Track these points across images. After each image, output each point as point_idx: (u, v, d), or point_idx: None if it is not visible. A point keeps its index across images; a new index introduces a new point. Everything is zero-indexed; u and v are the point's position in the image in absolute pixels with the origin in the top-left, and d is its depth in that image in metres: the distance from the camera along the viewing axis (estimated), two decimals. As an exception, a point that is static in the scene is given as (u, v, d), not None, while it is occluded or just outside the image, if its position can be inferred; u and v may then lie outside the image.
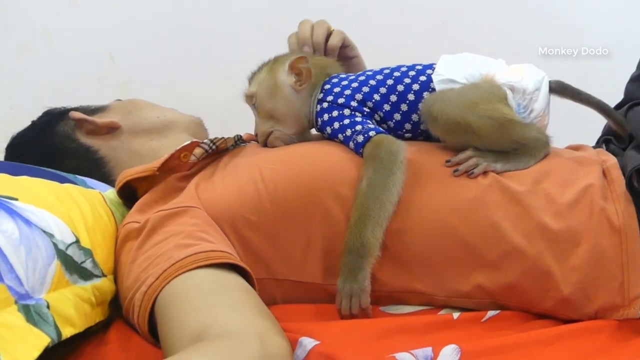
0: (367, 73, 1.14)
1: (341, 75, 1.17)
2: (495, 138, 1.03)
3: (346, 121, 1.07)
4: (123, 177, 1.09)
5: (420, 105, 1.07)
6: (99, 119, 1.27)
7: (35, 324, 0.76)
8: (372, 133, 1.03)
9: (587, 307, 0.97)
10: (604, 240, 0.97)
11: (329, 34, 1.28)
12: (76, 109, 1.29)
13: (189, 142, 1.09)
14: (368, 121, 1.07)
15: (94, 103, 1.36)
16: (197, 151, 1.10)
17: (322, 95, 1.13)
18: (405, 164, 1.01)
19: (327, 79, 1.16)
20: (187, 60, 1.80)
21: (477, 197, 1.00)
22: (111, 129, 1.27)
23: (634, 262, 0.96)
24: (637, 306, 0.95)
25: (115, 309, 1.01)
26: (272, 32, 1.75)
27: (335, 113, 1.09)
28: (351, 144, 1.05)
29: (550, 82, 1.08)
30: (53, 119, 1.29)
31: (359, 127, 1.05)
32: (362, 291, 0.97)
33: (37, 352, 0.72)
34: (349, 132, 1.06)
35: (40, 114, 1.35)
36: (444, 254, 1.00)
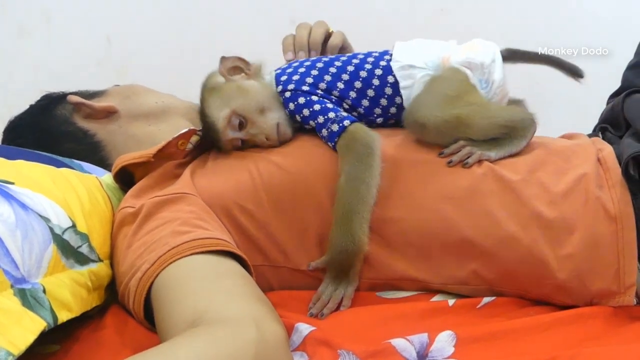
0: (324, 59, 1.12)
1: (294, 64, 1.12)
2: (485, 125, 1.02)
3: (316, 107, 1.05)
4: (119, 162, 1.09)
5: (403, 118, 1.05)
6: (97, 103, 1.27)
7: (31, 308, 0.76)
8: (346, 122, 1.02)
9: (583, 294, 0.98)
10: (600, 228, 0.97)
11: (328, 35, 1.27)
12: (74, 93, 1.29)
13: (186, 129, 1.09)
14: (339, 108, 1.05)
15: (92, 87, 1.36)
16: (194, 139, 1.10)
17: (280, 87, 1.09)
18: (380, 154, 1.00)
19: (280, 70, 1.12)
20: (186, 45, 1.79)
21: (471, 186, 1.00)
22: (109, 113, 1.27)
23: (630, 249, 0.96)
24: (632, 294, 0.96)
25: (111, 294, 1.01)
26: (273, 14, 1.76)
27: (301, 100, 1.06)
28: (324, 132, 1.03)
29: (501, 51, 1.09)
30: (51, 102, 1.30)
31: (332, 115, 1.03)
32: (352, 287, 0.99)
33: (33, 336, 0.72)
34: (321, 119, 1.04)
35: (37, 97, 1.35)
36: (439, 242, 1.00)
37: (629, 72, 1.26)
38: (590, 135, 1.19)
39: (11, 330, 0.69)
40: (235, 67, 1.11)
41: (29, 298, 0.77)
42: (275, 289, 1.04)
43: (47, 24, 1.75)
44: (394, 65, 1.08)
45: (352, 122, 1.02)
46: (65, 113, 1.28)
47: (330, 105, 1.05)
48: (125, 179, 1.13)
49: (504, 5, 1.84)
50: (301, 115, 1.06)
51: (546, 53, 1.12)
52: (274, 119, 1.08)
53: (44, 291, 0.80)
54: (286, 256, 1.03)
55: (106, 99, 1.30)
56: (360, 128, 1.02)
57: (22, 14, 1.74)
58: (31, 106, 1.32)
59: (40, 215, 0.86)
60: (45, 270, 0.83)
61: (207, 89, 1.11)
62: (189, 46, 1.79)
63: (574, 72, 1.10)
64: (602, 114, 1.24)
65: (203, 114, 1.09)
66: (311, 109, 1.05)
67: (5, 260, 0.76)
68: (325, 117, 1.04)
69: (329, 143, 1.03)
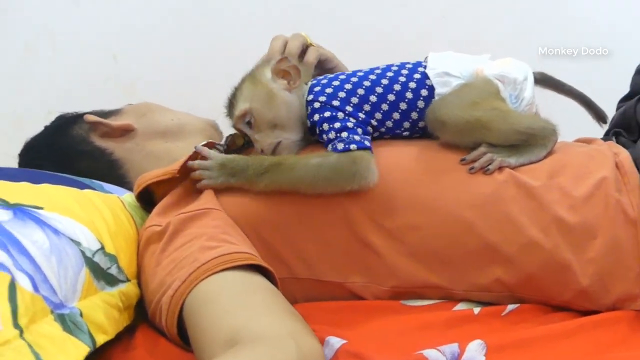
0: (359, 74, 1.12)
1: (329, 76, 1.14)
2: (505, 130, 1.04)
3: (336, 124, 1.05)
4: (142, 180, 1.10)
5: (425, 114, 1.07)
6: (114, 121, 1.27)
7: (71, 332, 0.77)
8: (352, 146, 1.02)
9: (605, 298, 0.99)
10: (620, 232, 0.99)
11: (304, 49, 1.25)
12: (90, 113, 1.29)
13: (205, 142, 1.10)
14: (358, 130, 1.05)
15: (100, 105, 1.36)
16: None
17: (312, 96, 1.10)
18: (365, 188, 1.02)
19: (315, 80, 1.14)
20: (193, 61, 1.79)
21: (493, 193, 1.01)
22: (125, 131, 1.27)
23: None
24: (654, 296, 0.97)
25: (138, 313, 1.02)
26: (280, 31, 1.77)
27: (327, 114, 1.07)
28: (329, 147, 1.04)
29: (534, 73, 1.10)
30: (67, 122, 1.30)
31: (344, 134, 1.04)
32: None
33: (77, 362, 0.73)
34: (332, 134, 1.05)
35: (45, 116, 1.36)
36: (461, 249, 1.01)
37: (638, 76, 1.27)
38: (604, 139, 1.20)
39: (57, 357, 0.70)
40: (286, 72, 1.11)
41: (68, 323, 0.78)
42: (299, 302, 1.04)
43: (52, 42, 1.75)
44: (430, 72, 1.08)
45: (359, 148, 1.03)
46: (82, 132, 1.28)
47: (350, 125, 1.05)
48: (146, 197, 1.14)
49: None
50: (320, 128, 1.07)
51: (578, 90, 1.13)
52: (278, 137, 1.09)
53: (81, 315, 0.81)
54: (310, 268, 1.05)
55: (122, 117, 1.30)
56: (365, 157, 1.02)
57: (28, 32, 1.74)
58: (46, 127, 1.32)
59: (72, 240, 0.87)
60: (80, 294, 0.84)
61: (251, 75, 1.14)
62: (195, 62, 1.80)
63: (600, 117, 1.13)
64: (613, 118, 1.26)
65: (234, 91, 1.13)
66: (331, 125, 1.06)
67: (44, 286, 0.77)
68: (338, 134, 1.04)
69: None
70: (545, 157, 1.06)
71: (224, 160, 1.06)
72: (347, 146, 1.03)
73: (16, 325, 0.68)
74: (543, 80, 1.13)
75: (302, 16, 1.75)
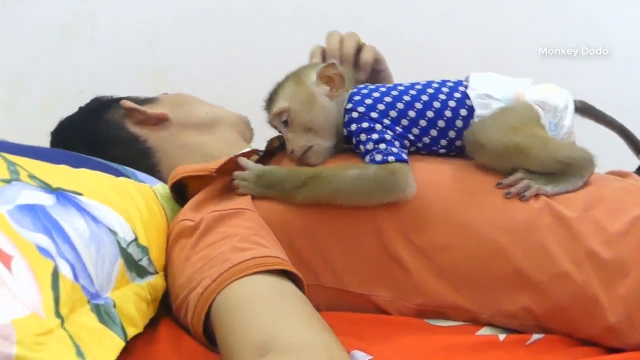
0: (399, 88, 1.12)
1: (370, 86, 1.14)
2: (543, 158, 1.03)
3: (374, 136, 1.05)
4: (178, 173, 1.10)
5: (464, 136, 1.07)
6: (149, 109, 1.27)
7: (105, 324, 0.76)
8: (391, 158, 1.02)
9: (632, 337, 0.98)
10: None
11: (359, 48, 1.26)
12: (126, 99, 1.29)
13: (248, 149, 1.10)
14: (396, 143, 1.05)
15: (131, 89, 1.36)
16: (254, 158, 1.11)
17: (351, 105, 1.10)
18: (402, 201, 1.01)
19: (355, 89, 1.13)
20: (226, 52, 1.79)
21: (528, 220, 1.01)
22: (160, 120, 1.28)
23: None
24: (682, 339, 0.97)
25: (161, 306, 1.01)
26: (314, 24, 1.76)
27: (365, 124, 1.07)
28: (367, 158, 1.04)
29: (574, 101, 1.10)
30: (102, 106, 1.30)
31: (382, 146, 1.04)
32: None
33: (114, 357, 0.72)
34: (370, 146, 1.04)
35: (76, 95, 1.36)
36: (491, 273, 1.01)
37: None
38: (635, 172, 1.20)
39: (95, 349, 0.70)
40: (331, 78, 1.11)
41: (103, 314, 0.77)
42: (322, 310, 1.03)
43: (91, 25, 1.75)
44: (472, 93, 1.08)
45: (397, 160, 1.02)
46: (117, 117, 1.28)
47: (387, 137, 1.05)
48: (178, 189, 1.13)
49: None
50: (358, 138, 1.07)
51: (618, 121, 1.12)
52: (310, 142, 1.09)
53: (114, 306, 0.81)
54: (337, 278, 1.04)
55: (157, 106, 1.30)
56: (403, 170, 1.02)
57: (67, 15, 1.74)
58: (81, 108, 1.32)
59: (109, 229, 0.87)
60: (114, 285, 0.84)
61: (296, 74, 1.14)
62: (228, 53, 1.79)
63: (639, 149, 1.12)
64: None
65: (276, 86, 1.14)
66: (369, 136, 1.05)
67: (84, 275, 0.76)
68: (376, 146, 1.04)
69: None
70: (581, 187, 1.05)
71: (260, 172, 1.06)
72: (385, 158, 1.02)
73: (58, 314, 0.67)
74: (583, 110, 1.12)
75: (337, 23, 1.75)
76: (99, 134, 1.27)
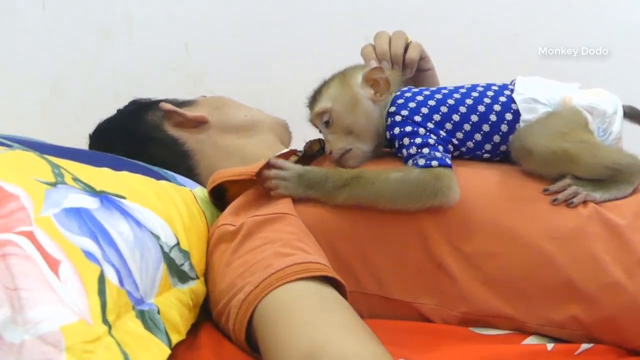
0: (443, 91, 1.10)
1: (413, 90, 1.13)
2: (592, 164, 1.01)
3: (418, 140, 1.03)
4: (217, 177, 1.08)
5: (510, 141, 1.05)
6: (188, 112, 1.26)
7: (150, 330, 0.75)
8: (434, 163, 1.00)
9: (686, 349, 0.95)
10: None
11: (406, 46, 1.24)
12: (165, 101, 1.28)
13: (287, 149, 1.09)
14: (439, 147, 1.03)
15: (167, 91, 1.36)
16: (293, 159, 1.09)
17: (394, 108, 1.09)
18: (446, 206, 0.99)
19: (399, 92, 1.12)
20: (262, 56, 1.78)
21: (577, 228, 0.98)
22: (199, 123, 1.28)
23: None
24: None
25: (201, 311, 1.00)
26: (349, 26, 1.75)
27: (408, 128, 1.05)
28: (410, 162, 1.02)
29: (623, 106, 1.07)
30: (141, 108, 1.30)
31: (425, 150, 1.02)
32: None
33: (161, 364, 0.71)
34: (414, 150, 1.03)
35: (113, 98, 1.36)
36: (539, 282, 0.98)
37: None
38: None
39: (142, 356, 0.68)
40: (376, 82, 1.10)
41: (147, 320, 0.76)
42: (364, 317, 1.01)
43: (129, 27, 1.75)
44: (517, 97, 1.06)
45: (440, 164, 1.01)
46: (156, 119, 1.28)
47: (431, 142, 1.03)
48: (217, 193, 1.12)
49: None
50: (400, 142, 1.05)
51: None
52: (350, 144, 1.08)
53: (159, 312, 0.79)
54: (380, 284, 1.02)
55: (196, 109, 1.30)
56: (446, 174, 1.00)
57: (106, 16, 1.75)
58: (120, 111, 1.32)
59: (152, 233, 0.86)
60: (157, 290, 0.83)
61: (342, 74, 1.13)
62: (264, 57, 1.79)
63: None
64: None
65: (321, 85, 1.13)
66: (412, 140, 1.04)
67: (129, 280, 0.75)
68: (419, 150, 1.02)
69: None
70: (631, 194, 1.02)
71: (301, 172, 1.04)
72: (428, 162, 1.00)
73: (105, 321, 0.66)
74: (632, 115, 1.10)
75: (372, 23, 1.74)
76: (138, 136, 1.27)
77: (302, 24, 1.79)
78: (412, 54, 1.22)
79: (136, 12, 1.74)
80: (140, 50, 1.75)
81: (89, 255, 0.70)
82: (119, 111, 1.32)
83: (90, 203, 0.79)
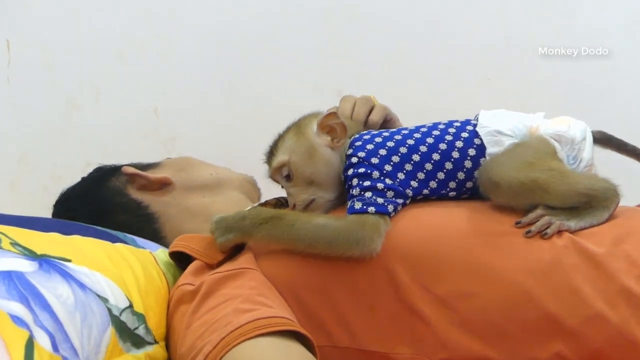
0: (403, 132, 1.08)
1: (372, 132, 1.10)
2: (563, 191, 0.98)
3: (366, 183, 1.00)
4: (179, 243, 1.05)
5: (476, 175, 1.02)
6: (151, 174, 1.25)
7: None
8: (371, 209, 0.97)
9: (675, 380, 0.89)
10: None
11: (370, 109, 1.23)
12: (129, 165, 1.27)
13: (254, 205, 1.06)
14: (388, 193, 1.00)
15: (138, 158, 1.35)
16: None
17: (351, 151, 1.06)
18: (367, 257, 0.96)
19: (357, 135, 1.10)
20: (232, 118, 1.78)
21: (553, 260, 0.94)
22: (163, 185, 1.26)
23: None
24: None
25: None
26: (321, 86, 1.74)
27: (361, 170, 1.02)
28: (348, 203, 1.00)
29: (592, 132, 1.05)
30: (104, 174, 1.29)
31: (368, 194, 0.99)
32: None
33: None
34: (356, 191, 1.00)
35: (84, 169, 1.35)
36: (520, 320, 0.93)
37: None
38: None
39: None
40: (333, 128, 1.08)
41: (90, 386, 0.71)
42: (339, 372, 0.97)
43: (95, 97, 1.75)
44: (481, 130, 1.04)
45: (377, 212, 0.97)
46: (119, 184, 1.26)
47: (379, 186, 1.00)
48: (180, 255, 1.08)
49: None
50: (349, 183, 1.03)
51: None
52: (313, 195, 1.06)
53: (107, 379, 0.75)
54: (353, 336, 0.97)
55: (160, 171, 1.29)
56: (374, 224, 0.96)
57: (72, 87, 1.75)
58: (84, 178, 1.31)
59: (99, 295, 0.82)
60: (104, 356, 0.78)
61: (297, 125, 1.11)
62: (235, 119, 1.78)
63: None
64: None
65: (277, 138, 1.11)
66: (360, 182, 1.01)
67: (65, 346, 0.71)
68: (362, 193, 1.00)
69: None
70: (607, 220, 0.98)
71: (217, 218, 1.02)
72: (364, 207, 0.98)
73: (31, 387, 0.62)
74: (603, 140, 1.07)
75: (344, 79, 1.73)
76: (102, 202, 1.25)
77: (272, 84, 1.79)
78: (375, 117, 1.22)
79: (101, 80, 1.74)
80: (108, 119, 1.74)
81: (16, 319, 0.66)
82: (83, 179, 1.31)
83: (25, 267, 0.76)
